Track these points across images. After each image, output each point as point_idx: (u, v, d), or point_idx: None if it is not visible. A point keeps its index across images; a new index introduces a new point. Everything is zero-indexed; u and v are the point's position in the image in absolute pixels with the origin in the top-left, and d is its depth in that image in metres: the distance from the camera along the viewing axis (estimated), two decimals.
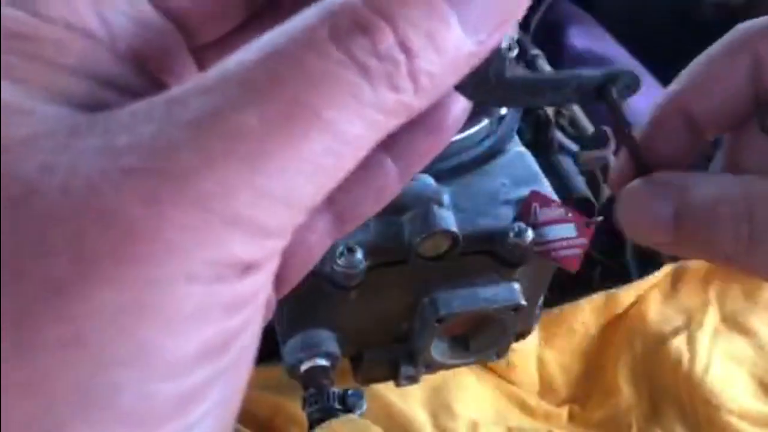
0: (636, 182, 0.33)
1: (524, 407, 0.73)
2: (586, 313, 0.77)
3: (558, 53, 1.39)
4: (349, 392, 0.57)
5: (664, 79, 1.36)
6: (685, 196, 0.31)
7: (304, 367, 0.54)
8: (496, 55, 0.23)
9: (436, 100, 0.20)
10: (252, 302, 0.19)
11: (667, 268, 0.81)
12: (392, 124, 0.19)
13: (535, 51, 1.23)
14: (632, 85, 0.30)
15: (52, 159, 0.17)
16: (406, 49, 0.19)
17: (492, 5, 0.20)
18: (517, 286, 0.55)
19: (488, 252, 0.54)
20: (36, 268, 0.17)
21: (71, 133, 0.18)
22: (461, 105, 0.24)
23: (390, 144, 0.23)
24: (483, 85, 0.24)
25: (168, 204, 0.17)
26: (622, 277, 1.01)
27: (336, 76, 0.18)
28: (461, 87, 0.23)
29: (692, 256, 0.32)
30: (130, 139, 0.18)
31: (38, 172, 0.17)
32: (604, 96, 0.29)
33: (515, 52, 0.55)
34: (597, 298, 0.78)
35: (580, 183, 0.66)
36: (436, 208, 0.51)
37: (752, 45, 0.33)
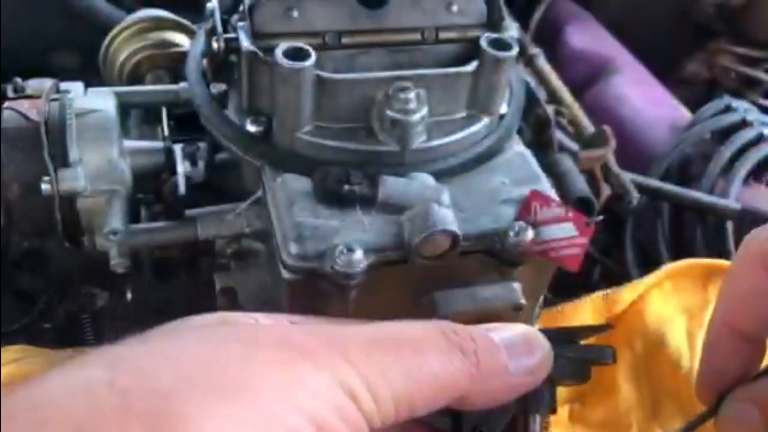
0: (731, 404, 0.39)
1: None
2: (586, 313, 0.77)
3: (557, 52, 1.39)
4: None
5: (664, 77, 1.36)
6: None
7: None
8: None
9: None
10: None
11: (667, 268, 0.81)
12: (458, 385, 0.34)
13: (535, 49, 1.23)
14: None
15: None
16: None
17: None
18: (517, 285, 0.55)
19: (488, 251, 0.54)
20: None
21: None
22: None
23: None
24: None
25: None
26: (622, 276, 1.01)
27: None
28: None
29: None
30: None
31: None
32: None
33: (515, 50, 0.55)
34: (597, 297, 0.78)
35: (580, 182, 0.66)
36: (436, 207, 0.51)
37: (764, 258, 0.38)
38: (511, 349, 0.36)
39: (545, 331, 0.38)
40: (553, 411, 0.40)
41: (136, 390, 0.27)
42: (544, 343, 0.38)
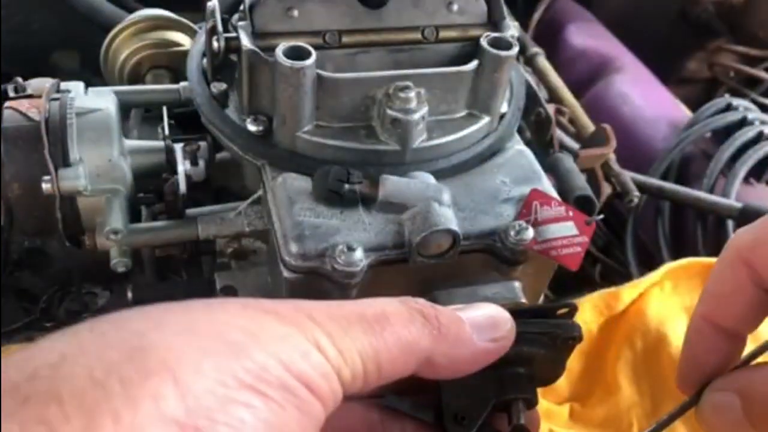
0: (711, 395, 0.40)
1: None
2: (586, 312, 0.77)
3: (558, 51, 1.39)
4: None
5: (664, 76, 1.36)
6: (749, 393, 0.38)
7: None
8: None
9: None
10: None
11: (667, 267, 0.81)
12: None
13: (535, 49, 1.23)
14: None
15: None
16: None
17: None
18: (517, 284, 0.55)
19: (489, 250, 0.54)
20: None
21: None
22: None
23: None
24: None
25: None
26: (622, 275, 1.01)
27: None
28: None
29: None
30: None
31: None
32: None
33: (515, 50, 0.55)
34: (597, 296, 0.78)
35: (581, 181, 0.65)
36: (436, 206, 0.51)
37: (746, 256, 0.39)
38: (475, 325, 0.37)
39: (514, 310, 0.39)
40: (534, 399, 0.41)
41: (113, 330, 0.29)
42: (508, 318, 0.39)
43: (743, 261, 0.39)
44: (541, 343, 0.40)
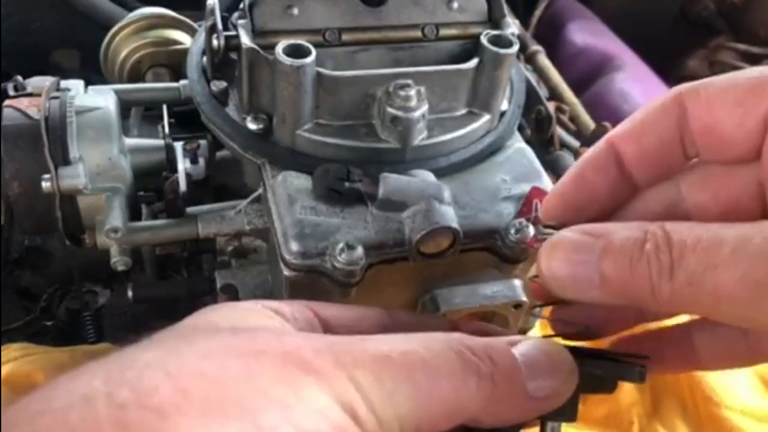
0: (558, 235, 0.36)
1: None
2: None
3: (558, 49, 1.39)
4: None
5: (665, 74, 1.36)
6: (608, 241, 0.35)
7: None
8: None
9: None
10: None
11: None
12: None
13: (536, 46, 1.23)
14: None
15: None
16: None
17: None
18: (517, 282, 0.55)
19: (489, 248, 0.54)
20: None
21: None
22: None
23: None
24: None
25: None
26: None
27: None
28: None
29: (620, 301, 0.35)
30: None
31: None
32: None
33: (516, 47, 0.55)
34: None
35: None
36: (436, 204, 0.51)
37: (681, 99, 0.37)
38: (531, 367, 0.34)
39: (573, 348, 0.36)
40: (573, 419, 0.38)
41: (133, 405, 0.27)
42: (568, 361, 0.36)
43: (678, 103, 0.38)
44: (597, 384, 0.37)
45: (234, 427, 0.27)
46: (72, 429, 0.26)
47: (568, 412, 0.37)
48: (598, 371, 0.37)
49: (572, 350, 0.36)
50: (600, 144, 0.40)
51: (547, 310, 0.47)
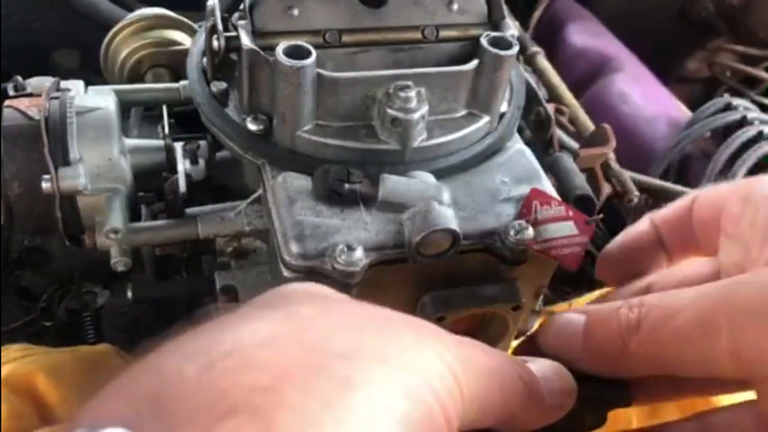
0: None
1: None
2: None
3: (558, 50, 1.39)
4: None
5: (664, 75, 1.36)
6: (592, 311, 0.43)
7: None
8: None
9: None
10: None
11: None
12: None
13: (535, 48, 1.23)
14: None
15: None
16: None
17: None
18: (517, 284, 0.55)
19: (489, 250, 0.54)
20: None
21: None
22: None
23: None
24: None
25: None
26: None
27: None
28: None
29: (602, 362, 0.43)
30: None
31: None
32: None
33: (515, 49, 0.55)
34: (596, 295, 0.78)
35: (580, 181, 0.65)
36: (436, 205, 0.51)
37: (717, 207, 0.47)
38: (546, 380, 0.40)
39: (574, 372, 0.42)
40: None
41: (322, 351, 0.30)
42: (572, 380, 0.42)
43: (715, 207, 0.47)
44: (589, 404, 0.43)
45: (398, 371, 0.31)
46: (263, 366, 0.28)
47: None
48: (590, 391, 0.43)
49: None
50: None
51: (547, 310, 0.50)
